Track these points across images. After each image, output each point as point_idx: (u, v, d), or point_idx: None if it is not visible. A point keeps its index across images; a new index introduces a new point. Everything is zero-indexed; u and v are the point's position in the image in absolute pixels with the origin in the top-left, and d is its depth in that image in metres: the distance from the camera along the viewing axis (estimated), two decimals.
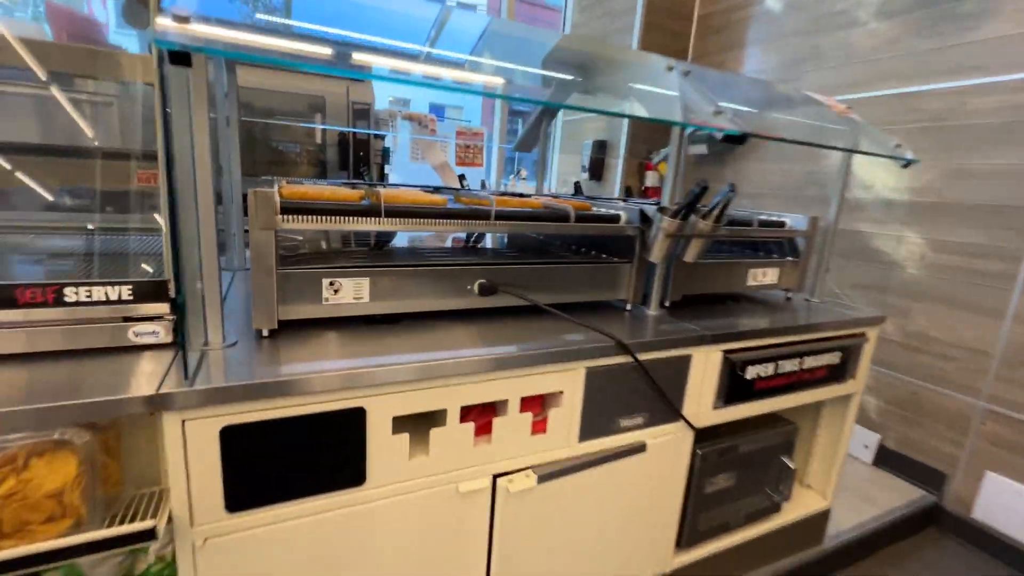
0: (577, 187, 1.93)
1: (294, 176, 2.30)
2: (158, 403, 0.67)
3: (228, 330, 0.90)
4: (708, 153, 2.69)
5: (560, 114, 2.80)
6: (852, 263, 2.24)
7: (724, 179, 2.83)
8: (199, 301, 0.82)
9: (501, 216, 1.05)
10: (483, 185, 3.37)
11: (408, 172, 3.01)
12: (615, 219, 1.21)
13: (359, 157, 2.33)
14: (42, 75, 1.05)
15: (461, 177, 1.72)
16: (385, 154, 2.55)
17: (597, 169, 3.12)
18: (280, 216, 0.85)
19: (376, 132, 2.41)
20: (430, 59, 0.92)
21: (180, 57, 0.60)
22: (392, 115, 2.77)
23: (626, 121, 2.95)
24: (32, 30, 1.27)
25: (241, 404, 0.73)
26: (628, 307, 1.25)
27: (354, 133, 2.31)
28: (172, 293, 0.80)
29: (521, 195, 1.43)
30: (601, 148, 3.13)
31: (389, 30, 1.02)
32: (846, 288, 2.26)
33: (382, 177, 2.56)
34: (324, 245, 1.16)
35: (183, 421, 0.70)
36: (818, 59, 2.36)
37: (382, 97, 2.64)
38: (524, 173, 3.12)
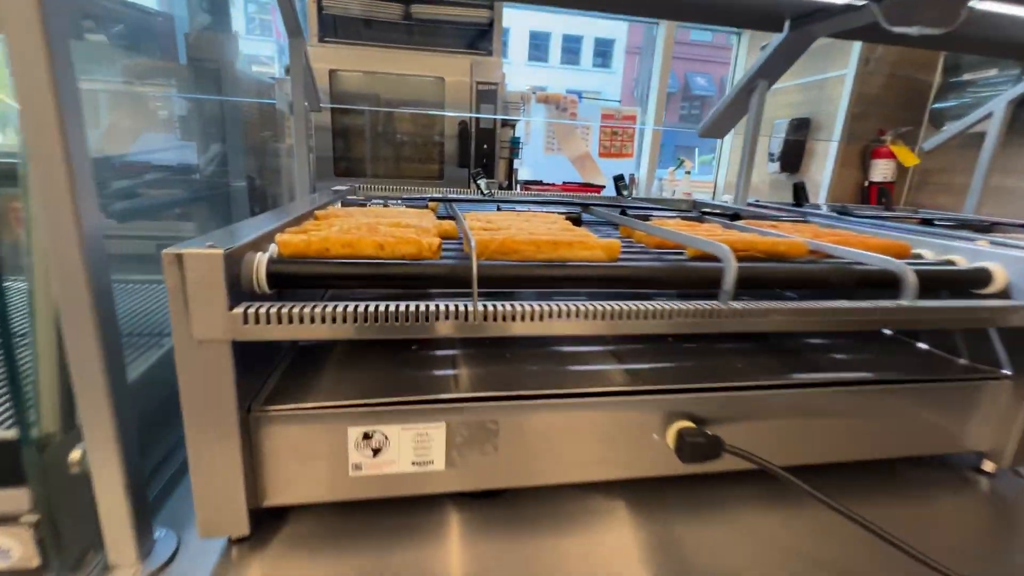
0: (799, 192, 1.24)
1: (402, 176, 1.92)
2: None
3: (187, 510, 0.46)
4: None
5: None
6: None
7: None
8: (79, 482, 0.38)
9: (751, 281, 0.46)
10: (632, 181, 2.73)
11: (540, 166, 2.50)
12: (983, 280, 0.55)
13: (481, 150, 1.87)
14: None
15: (618, 180, 1.14)
16: (514, 145, 2.06)
17: (794, 158, 2.29)
18: (243, 313, 0.38)
19: (504, 117, 1.93)
20: None
21: None
22: (525, 97, 2.27)
23: (847, 90, 2.08)
24: None
25: None
26: (988, 469, 0.58)
27: (477, 121, 1.86)
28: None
29: (736, 215, 0.81)
30: (801, 128, 2.29)
31: None
32: None
33: (510, 175, 2.08)
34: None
35: None
36: None
37: (515, 83, 2.15)
38: (690, 165, 2.41)
